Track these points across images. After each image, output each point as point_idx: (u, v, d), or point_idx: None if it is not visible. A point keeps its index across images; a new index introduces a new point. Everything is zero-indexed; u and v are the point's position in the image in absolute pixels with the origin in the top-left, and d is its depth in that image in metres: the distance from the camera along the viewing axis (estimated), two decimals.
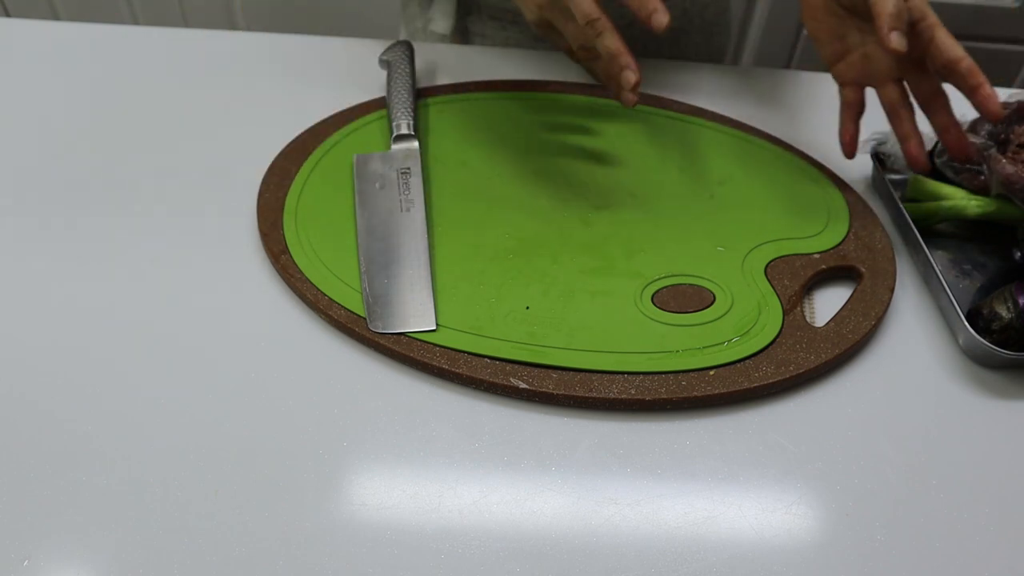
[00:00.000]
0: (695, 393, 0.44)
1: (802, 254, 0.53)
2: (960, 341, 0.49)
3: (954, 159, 0.55)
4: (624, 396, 0.44)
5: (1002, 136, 0.55)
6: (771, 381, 0.45)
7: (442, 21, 0.75)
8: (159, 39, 0.73)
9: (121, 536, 0.39)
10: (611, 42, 0.52)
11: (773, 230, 0.55)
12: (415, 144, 0.59)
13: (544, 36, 0.62)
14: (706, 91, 0.69)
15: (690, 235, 0.54)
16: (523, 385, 0.44)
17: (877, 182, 0.60)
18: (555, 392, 0.44)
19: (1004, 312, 0.47)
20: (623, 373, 0.45)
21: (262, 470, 0.41)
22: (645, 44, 0.75)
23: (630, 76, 0.52)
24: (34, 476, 0.41)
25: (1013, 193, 0.52)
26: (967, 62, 0.51)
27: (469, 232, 0.54)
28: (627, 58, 0.52)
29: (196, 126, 0.63)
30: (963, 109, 0.58)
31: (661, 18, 0.50)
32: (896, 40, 0.50)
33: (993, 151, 0.54)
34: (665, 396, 0.44)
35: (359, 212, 0.54)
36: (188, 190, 0.57)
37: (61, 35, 0.74)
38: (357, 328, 0.47)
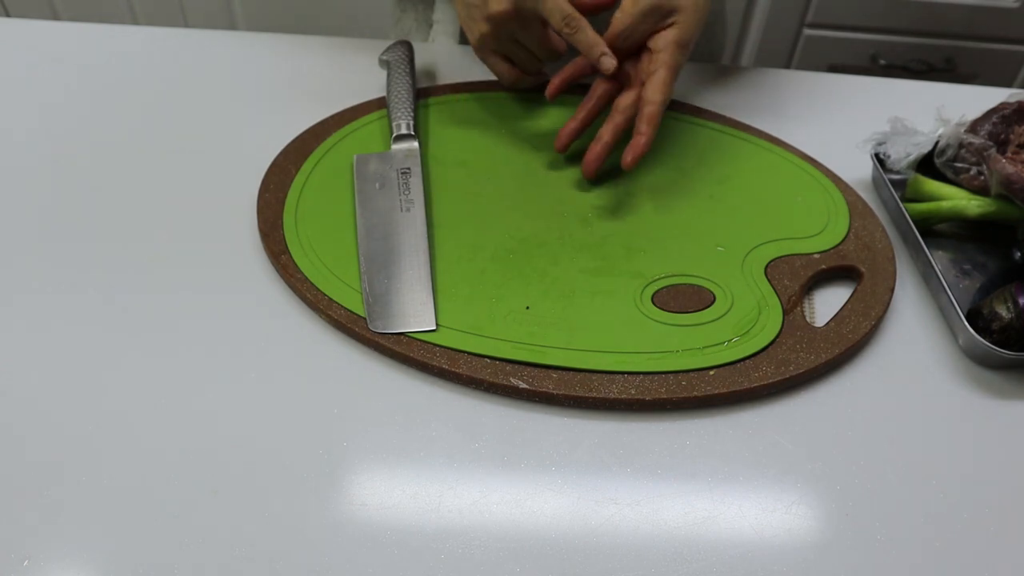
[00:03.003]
0: (695, 393, 0.44)
1: (802, 254, 0.53)
2: (960, 341, 0.49)
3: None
4: (624, 396, 0.44)
5: (1002, 136, 0.55)
6: (771, 381, 0.45)
7: (446, 40, 0.75)
8: (159, 39, 0.73)
9: (121, 536, 0.39)
10: (589, 35, 0.54)
11: (773, 230, 0.55)
12: (415, 144, 0.59)
13: (483, 58, 0.62)
14: (706, 91, 0.69)
15: (690, 235, 0.54)
16: (523, 385, 0.44)
17: (877, 182, 0.60)
18: (555, 392, 0.44)
19: (1004, 312, 0.47)
20: (623, 373, 0.45)
21: (262, 470, 0.41)
22: None
23: (608, 61, 0.54)
24: (34, 476, 0.41)
25: (1013, 193, 0.52)
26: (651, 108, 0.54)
27: (469, 232, 0.54)
28: (603, 46, 0.54)
29: (196, 126, 0.63)
30: (963, 109, 0.58)
31: (608, 62, 0.54)
32: (607, 62, 0.54)
33: (993, 151, 0.54)
34: (665, 396, 0.44)
35: (359, 212, 0.54)
36: (188, 190, 0.57)
37: (61, 35, 0.74)
38: (357, 328, 0.47)
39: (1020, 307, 0.47)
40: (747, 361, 0.46)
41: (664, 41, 0.55)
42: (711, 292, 0.50)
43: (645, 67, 0.56)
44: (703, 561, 0.39)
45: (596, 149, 0.56)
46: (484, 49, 0.60)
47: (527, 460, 0.43)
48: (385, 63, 0.65)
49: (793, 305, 0.50)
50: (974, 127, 0.56)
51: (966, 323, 0.47)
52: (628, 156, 0.54)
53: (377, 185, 0.56)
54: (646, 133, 0.54)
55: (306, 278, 0.50)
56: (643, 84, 0.55)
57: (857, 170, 0.61)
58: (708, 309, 0.49)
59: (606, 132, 0.56)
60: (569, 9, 0.53)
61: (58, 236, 0.53)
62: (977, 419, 0.46)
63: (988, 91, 0.70)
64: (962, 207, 0.55)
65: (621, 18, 0.54)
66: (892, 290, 0.51)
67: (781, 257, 0.53)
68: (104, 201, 0.56)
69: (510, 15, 0.55)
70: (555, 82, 0.59)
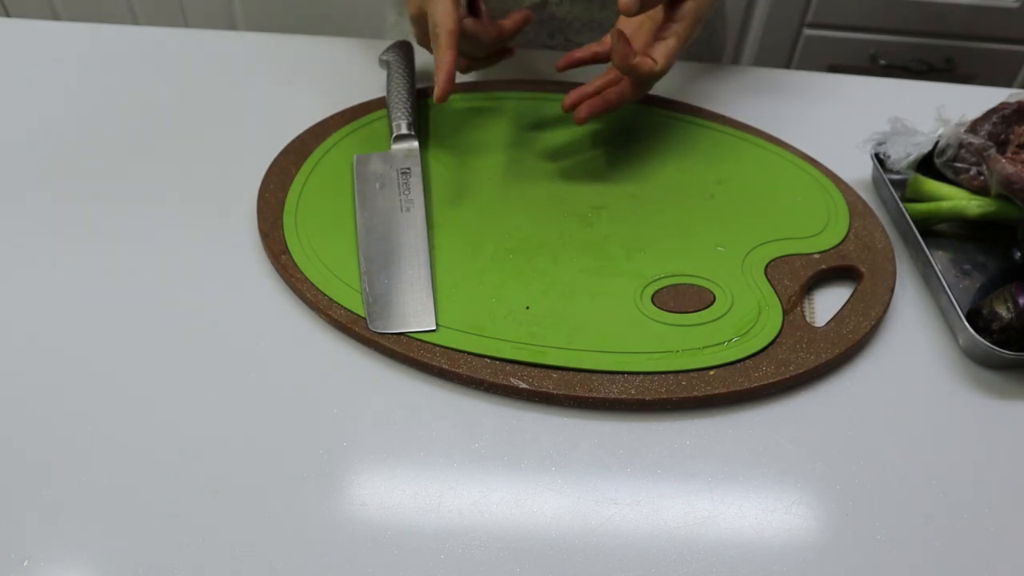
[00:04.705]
0: (695, 393, 0.44)
1: (802, 254, 0.53)
2: (960, 341, 0.49)
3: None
4: (624, 396, 0.44)
5: (1002, 136, 0.55)
6: (771, 381, 0.45)
7: None
8: (159, 39, 0.73)
9: (121, 536, 0.39)
10: (442, 55, 0.54)
11: (773, 230, 0.55)
12: (415, 144, 0.59)
13: (417, 29, 0.62)
14: (706, 91, 0.69)
15: (690, 235, 0.54)
16: (523, 385, 0.44)
17: (877, 182, 0.60)
18: (555, 392, 0.44)
19: (1004, 312, 0.47)
20: (623, 373, 0.45)
21: (262, 470, 0.41)
22: None
23: (437, 92, 0.54)
24: (34, 476, 0.41)
25: (1013, 193, 0.52)
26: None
27: (469, 232, 0.54)
28: (443, 74, 0.54)
29: (196, 126, 0.63)
30: (964, 109, 0.58)
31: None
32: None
33: (993, 151, 0.54)
34: (665, 396, 0.44)
35: (359, 212, 0.54)
36: (188, 190, 0.57)
37: (61, 35, 0.74)
38: (357, 328, 0.47)
39: (1020, 307, 0.47)
40: (747, 361, 0.46)
41: (682, 12, 0.55)
42: (711, 292, 0.50)
43: (654, 35, 0.57)
44: (703, 561, 0.39)
45: (587, 92, 0.58)
46: (426, 46, 0.61)
47: (527, 460, 0.43)
48: (385, 63, 0.65)
49: (793, 305, 0.50)
50: (974, 127, 0.56)
51: (966, 323, 0.47)
52: (584, 109, 0.57)
53: (377, 185, 0.56)
54: (629, 91, 0.57)
55: (306, 278, 0.50)
56: (648, 47, 0.55)
57: (857, 170, 0.61)
58: (708, 309, 0.49)
59: (598, 80, 0.58)
60: (441, 25, 0.54)
61: (57, 237, 0.53)
62: (977, 419, 0.46)
63: (988, 91, 0.70)
64: (962, 207, 0.55)
65: None
66: (892, 290, 0.51)
67: (781, 257, 0.53)
68: (104, 201, 0.56)
69: (418, 17, 0.58)
70: (568, 57, 0.60)
